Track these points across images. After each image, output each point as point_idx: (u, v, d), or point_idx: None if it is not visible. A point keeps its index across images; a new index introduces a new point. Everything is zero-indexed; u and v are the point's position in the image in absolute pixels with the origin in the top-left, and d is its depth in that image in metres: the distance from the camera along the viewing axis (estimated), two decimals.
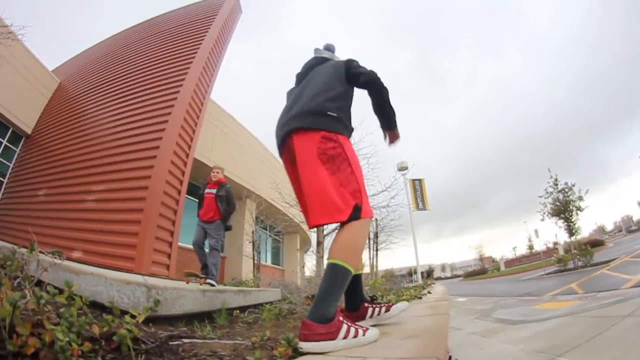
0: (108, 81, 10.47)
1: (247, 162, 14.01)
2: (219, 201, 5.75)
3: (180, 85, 8.15)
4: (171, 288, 2.72)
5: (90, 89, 10.99)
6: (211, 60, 9.35)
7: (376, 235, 14.69)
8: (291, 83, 2.46)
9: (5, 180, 11.71)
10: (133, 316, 1.73)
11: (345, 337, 1.61)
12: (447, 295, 6.60)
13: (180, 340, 1.89)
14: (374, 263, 15.35)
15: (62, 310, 1.48)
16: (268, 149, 16.28)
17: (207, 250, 5.71)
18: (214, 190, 5.83)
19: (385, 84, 2.14)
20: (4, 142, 11.65)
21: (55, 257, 5.49)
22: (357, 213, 1.79)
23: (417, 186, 19.72)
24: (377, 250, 15.19)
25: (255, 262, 13.77)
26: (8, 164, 11.86)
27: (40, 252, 3.18)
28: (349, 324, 1.68)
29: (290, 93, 2.32)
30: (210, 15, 10.25)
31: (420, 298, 5.50)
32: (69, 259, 6.12)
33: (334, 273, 1.70)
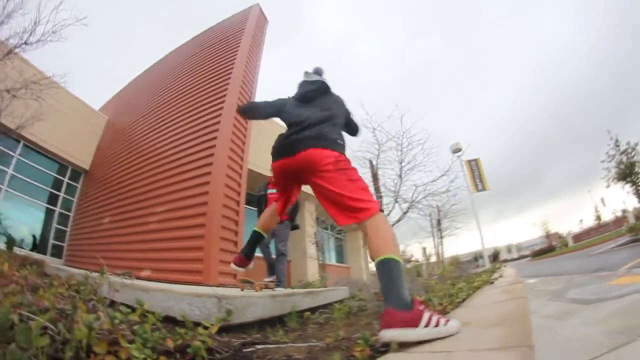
0: (153, 109, 11.01)
1: None
2: None
3: (223, 102, 8.30)
4: (240, 296, 2.74)
5: (137, 120, 11.64)
6: (248, 71, 9.39)
7: (439, 222, 14.35)
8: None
9: (72, 214, 12.92)
10: (206, 327, 1.75)
11: (426, 326, 1.60)
12: (519, 277, 6.29)
13: (254, 346, 1.89)
14: (440, 251, 14.99)
15: (136, 327, 1.51)
16: None
17: (273, 255, 5.68)
18: None
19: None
20: (66, 179, 12.93)
21: (125, 278, 5.79)
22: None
23: (474, 166, 19.00)
24: (441, 237, 14.83)
25: (320, 262, 13.84)
26: (72, 199, 13.11)
27: (111, 274, 3.36)
28: (430, 313, 1.68)
29: (295, 105, 2.63)
30: (239, 31, 10.33)
31: (492, 283, 5.28)
32: (138, 278, 6.44)
33: (388, 268, 1.83)
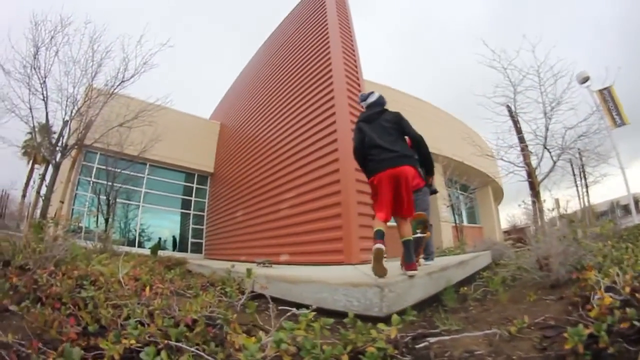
0: (260, 104, 11.39)
1: (423, 127, 13.34)
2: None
3: (331, 77, 7.98)
4: (401, 280, 2.65)
5: (249, 115, 12.24)
6: (345, 41, 8.81)
7: (582, 170, 12.71)
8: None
9: (205, 214, 14.85)
10: (381, 329, 1.62)
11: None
12: None
13: (426, 340, 1.76)
14: (585, 201, 13.33)
15: (299, 339, 1.45)
16: (442, 109, 15.96)
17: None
18: None
19: None
20: (194, 185, 15.03)
21: (266, 265, 6.07)
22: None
23: (607, 97, 15.89)
24: (587, 186, 13.13)
25: (455, 225, 13.27)
26: (203, 200, 15.07)
27: (251, 262, 3.46)
28: None
29: (367, 129, 3.50)
30: (321, 5, 9.87)
31: None
32: (277, 263, 6.69)
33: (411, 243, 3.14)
